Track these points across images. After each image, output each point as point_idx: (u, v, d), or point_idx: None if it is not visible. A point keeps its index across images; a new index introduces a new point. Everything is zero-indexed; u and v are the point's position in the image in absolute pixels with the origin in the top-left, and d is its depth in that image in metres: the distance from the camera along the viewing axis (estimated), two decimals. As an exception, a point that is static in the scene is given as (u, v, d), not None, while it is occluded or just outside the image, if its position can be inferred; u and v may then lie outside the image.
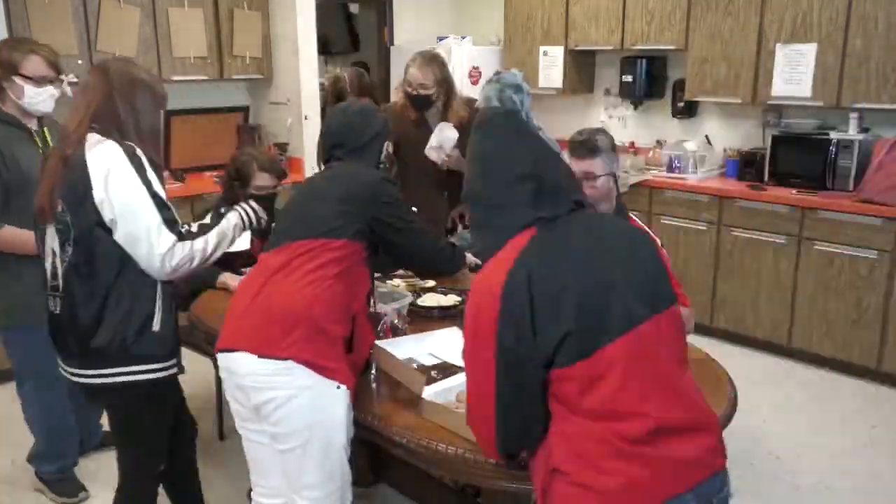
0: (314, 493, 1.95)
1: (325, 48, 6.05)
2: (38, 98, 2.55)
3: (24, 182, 2.42)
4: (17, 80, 2.51)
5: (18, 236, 2.48)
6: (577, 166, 2.57)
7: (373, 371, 2.07)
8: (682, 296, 2.53)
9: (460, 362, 2.09)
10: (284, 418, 1.88)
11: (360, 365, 2.03)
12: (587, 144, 2.55)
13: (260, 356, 1.86)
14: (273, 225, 2.34)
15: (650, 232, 2.60)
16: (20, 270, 2.53)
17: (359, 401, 1.95)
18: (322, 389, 1.86)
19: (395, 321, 2.24)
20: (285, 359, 1.85)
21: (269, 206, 3.17)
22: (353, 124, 2.18)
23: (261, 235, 3.20)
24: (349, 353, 1.96)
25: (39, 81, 2.54)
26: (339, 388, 1.88)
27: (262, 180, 3.07)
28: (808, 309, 4.05)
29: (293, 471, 1.95)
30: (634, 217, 2.75)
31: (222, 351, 1.95)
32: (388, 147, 2.30)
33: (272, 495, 2.11)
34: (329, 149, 2.20)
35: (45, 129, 2.67)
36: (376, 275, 2.82)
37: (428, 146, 3.07)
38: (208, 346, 2.67)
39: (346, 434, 1.93)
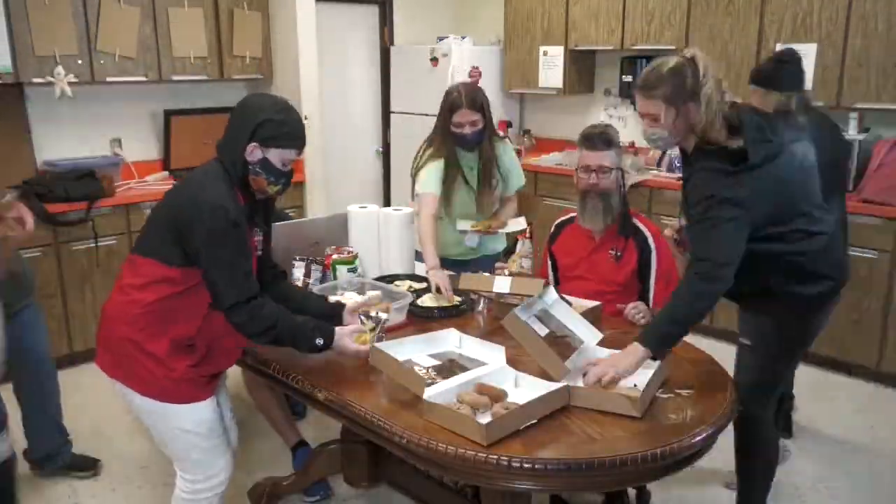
0: (177, 465, 2.21)
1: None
2: None
3: None
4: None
5: None
6: (593, 159, 2.59)
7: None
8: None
9: (462, 362, 2.10)
10: None
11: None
12: (604, 136, 2.59)
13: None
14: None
15: (646, 231, 2.63)
16: None
17: (359, 399, 1.95)
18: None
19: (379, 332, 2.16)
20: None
21: (267, 212, 3.17)
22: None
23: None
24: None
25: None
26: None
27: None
28: (808, 309, 4.05)
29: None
30: (642, 214, 2.77)
31: None
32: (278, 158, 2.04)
33: None
34: None
35: None
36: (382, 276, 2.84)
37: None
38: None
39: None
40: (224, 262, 1.95)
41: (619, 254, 2.62)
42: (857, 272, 3.84)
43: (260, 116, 2.00)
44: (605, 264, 2.65)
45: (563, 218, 2.85)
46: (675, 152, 4.69)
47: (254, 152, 2.01)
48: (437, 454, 1.72)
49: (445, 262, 2.91)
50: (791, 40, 4.11)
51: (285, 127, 2.02)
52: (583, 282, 2.65)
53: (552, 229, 2.88)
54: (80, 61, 4.06)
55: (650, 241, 2.61)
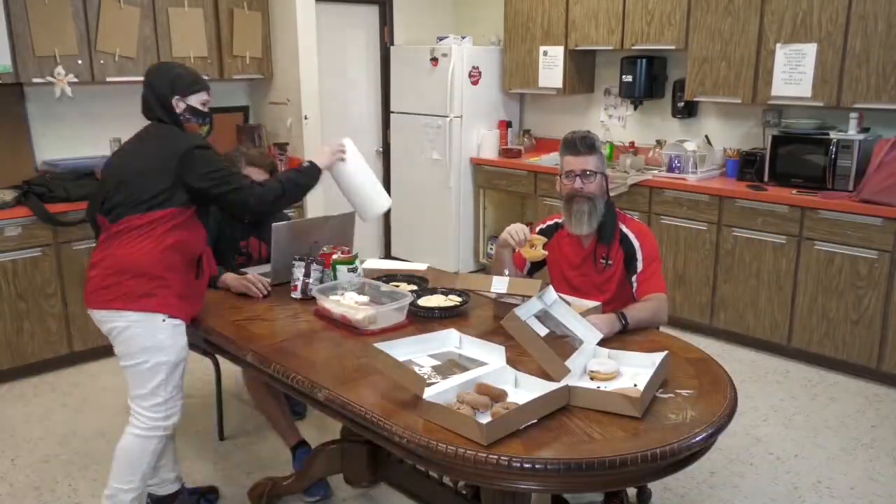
0: (142, 403, 2.43)
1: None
2: None
3: None
4: None
5: None
6: (577, 163, 2.60)
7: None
8: (653, 281, 2.57)
9: (462, 362, 2.10)
10: (122, 342, 2.38)
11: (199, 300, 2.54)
12: (587, 140, 2.59)
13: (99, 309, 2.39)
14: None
15: (630, 232, 2.61)
16: None
17: (359, 399, 1.95)
18: (148, 322, 2.35)
19: None
20: (118, 309, 2.34)
21: None
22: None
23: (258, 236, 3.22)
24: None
25: None
26: (164, 320, 2.37)
27: (251, 174, 3.11)
28: (808, 309, 4.05)
29: (129, 382, 2.44)
30: (630, 216, 2.76)
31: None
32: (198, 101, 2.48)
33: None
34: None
35: None
36: (382, 277, 2.84)
37: None
38: (208, 346, 2.68)
39: (174, 356, 2.40)
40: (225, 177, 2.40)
41: (609, 262, 2.61)
42: (858, 272, 3.85)
43: (171, 74, 2.45)
44: (596, 273, 2.64)
45: (558, 220, 2.80)
46: (675, 152, 4.69)
47: (178, 104, 2.44)
48: (436, 454, 1.71)
49: None
50: (791, 40, 4.11)
51: (190, 76, 2.48)
52: (576, 292, 2.62)
53: (544, 225, 2.81)
54: (80, 61, 4.07)
55: (634, 241, 2.60)
